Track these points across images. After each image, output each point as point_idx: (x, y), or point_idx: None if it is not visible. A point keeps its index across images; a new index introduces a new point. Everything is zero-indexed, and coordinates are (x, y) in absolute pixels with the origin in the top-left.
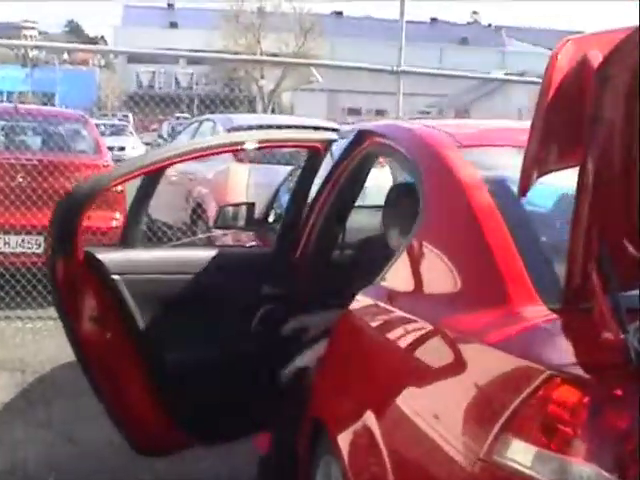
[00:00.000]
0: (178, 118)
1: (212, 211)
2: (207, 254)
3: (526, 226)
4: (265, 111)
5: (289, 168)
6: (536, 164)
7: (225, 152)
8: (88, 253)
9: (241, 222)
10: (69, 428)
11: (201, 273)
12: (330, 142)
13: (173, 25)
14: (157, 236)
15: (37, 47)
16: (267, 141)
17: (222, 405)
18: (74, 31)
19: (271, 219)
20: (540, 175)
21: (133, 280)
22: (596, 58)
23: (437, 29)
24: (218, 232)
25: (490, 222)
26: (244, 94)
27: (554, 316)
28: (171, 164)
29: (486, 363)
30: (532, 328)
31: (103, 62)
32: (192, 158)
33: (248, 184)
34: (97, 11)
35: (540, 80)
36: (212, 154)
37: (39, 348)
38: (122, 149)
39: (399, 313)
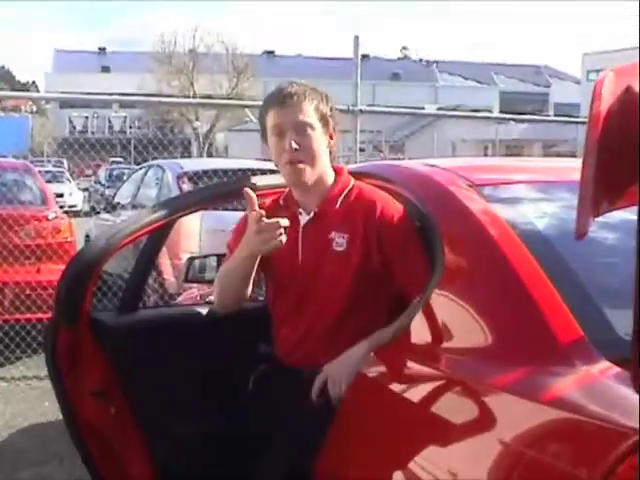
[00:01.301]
0: (112, 163)
1: (164, 263)
2: (204, 312)
3: (563, 268)
4: (201, 152)
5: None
6: (592, 205)
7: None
8: (95, 320)
9: (211, 274)
10: None
11: (202, 334)
12: None
13: (105, 69)
14: (112, 291)
15: None
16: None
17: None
18: (4, 77)
19: None
20: (596, 216)
21: (141, 346)
22: None
23: (368, 65)
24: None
25: (525, 266)
26: (180, 136)
27: (618, 369)
28: (183, 215)
29: (543, 424)
30: (599, 384)
31: (35, 108)
32: (210, 204)
33: (201, 231)
34: (27, 56)
35: (473, 114)
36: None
37: None
38: (60, 196)
39: (428, 371)
